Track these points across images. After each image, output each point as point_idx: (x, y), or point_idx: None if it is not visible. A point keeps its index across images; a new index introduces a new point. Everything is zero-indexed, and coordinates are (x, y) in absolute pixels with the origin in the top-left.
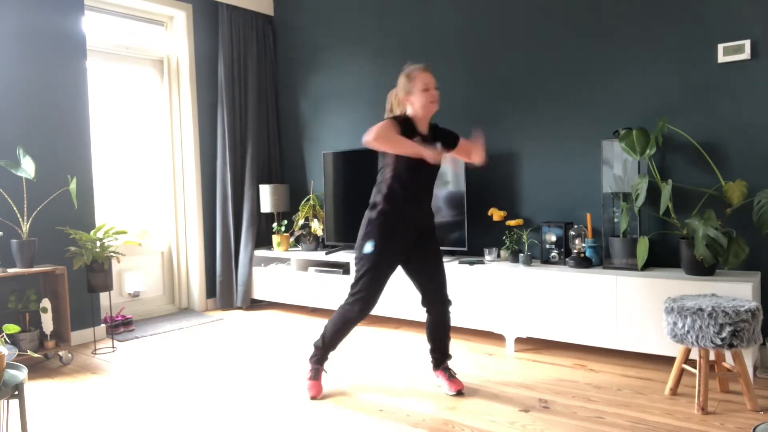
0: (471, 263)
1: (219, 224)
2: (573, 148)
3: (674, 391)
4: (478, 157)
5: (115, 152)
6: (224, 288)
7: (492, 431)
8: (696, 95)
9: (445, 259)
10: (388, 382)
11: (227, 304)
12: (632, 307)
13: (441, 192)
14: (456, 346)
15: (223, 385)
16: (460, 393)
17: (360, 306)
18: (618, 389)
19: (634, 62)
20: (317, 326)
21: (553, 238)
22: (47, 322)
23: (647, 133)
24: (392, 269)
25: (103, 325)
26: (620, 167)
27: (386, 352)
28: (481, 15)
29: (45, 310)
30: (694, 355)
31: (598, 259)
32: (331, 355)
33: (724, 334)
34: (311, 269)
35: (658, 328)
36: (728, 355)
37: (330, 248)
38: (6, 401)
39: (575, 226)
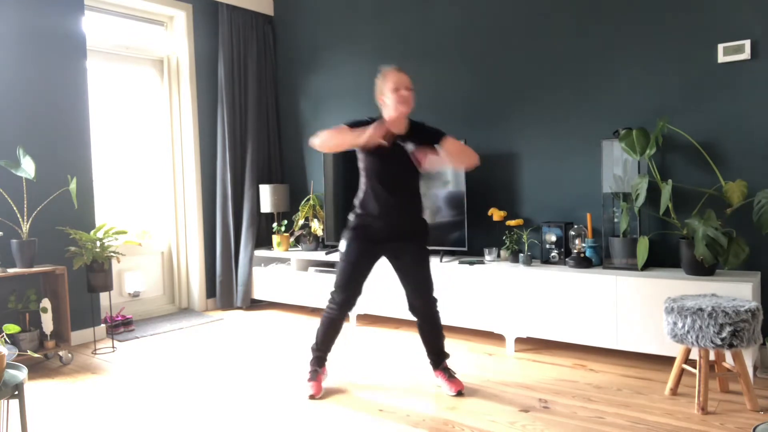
0: (471, 263)
1: (219, 224)
2: (573, 148)
3: (674, 391)
4: (424, 160)
5: (115, 152)
6: (224, 288)
7: (492, 431)
8: (696, 95)
9: (445, 259)
10: (388, 382)
11: (227, 304)
12: (632, 307)
13: (441, 192)
14: (456, 346)
15: (223, 385)
16: (460, 393)
17: (337, 302)
18: (618, 389)
19: (634, 62)
20: (317, 326)
21: (553, 238)
22: (47, 322)
23: (647, 133)
24: (363, 267)
25: (103, 325)
26: (620, 167)
27: (386, 352)
28: (482, 14)
29: (45, 310)
30: (694, 355)
31: (598, 259)
32: (329, 356)
33: (724, 334)
34: (311, 269)
35: (658, 328)
36: (728, 355)
37: (330, 248)
38: (6, 401)
39: (575, 226)
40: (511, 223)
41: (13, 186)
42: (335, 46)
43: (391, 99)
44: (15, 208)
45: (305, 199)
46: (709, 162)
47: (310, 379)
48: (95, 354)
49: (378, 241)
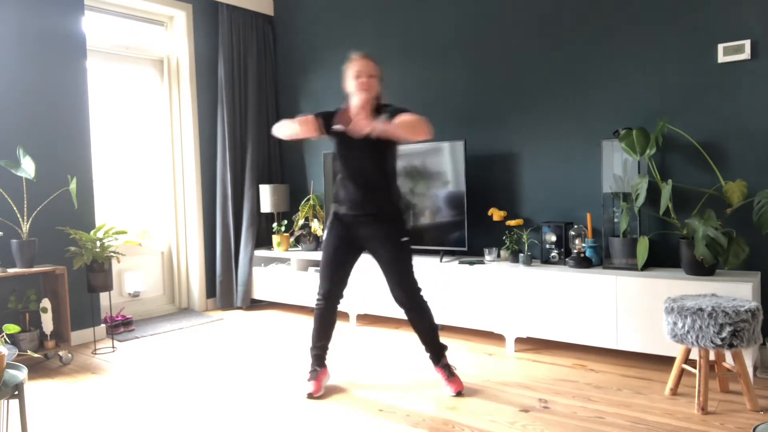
0: (471, 263)
1: (219, 224)
2: (573, 148)
3: (674, 391)
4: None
5: (115, 152)
6: (224, 288)
7: (492, 431)
8: (696, 95)
9: (445, 259)
10: (388, 382)
11: (227, 304)
12: (632, 307)
13: (441, 192)
14: (456, 346)
15: (223, 385)
16: (459, 394)
17: (321, 294)
18: (618, 389)
19: (634, 62)
20: None
21: (553, 238)
22: (47, 322)
23: (647, 133)
24: (339, 256)
25: (103, 325)
26: (620, 167)
27: (386, 352)
28: (482, 15)
29: (45, 310)
30: (694, 355)
31: (598, 259)
32: (328, 354)
33: (724, 334)
34: (311, 269)
35: (658, 328)
36: (728, 355)
37: None
38: (6, 401)
39: (575, 226)
40: (511, 223)
41: (13, 186)
42: (335, 46)
43: (351, 86)
44: (15, 208)
45: (305, 199)
46: (709, 162)
47: (309, 379)
48: (95, 354)
49: (349, 226)
